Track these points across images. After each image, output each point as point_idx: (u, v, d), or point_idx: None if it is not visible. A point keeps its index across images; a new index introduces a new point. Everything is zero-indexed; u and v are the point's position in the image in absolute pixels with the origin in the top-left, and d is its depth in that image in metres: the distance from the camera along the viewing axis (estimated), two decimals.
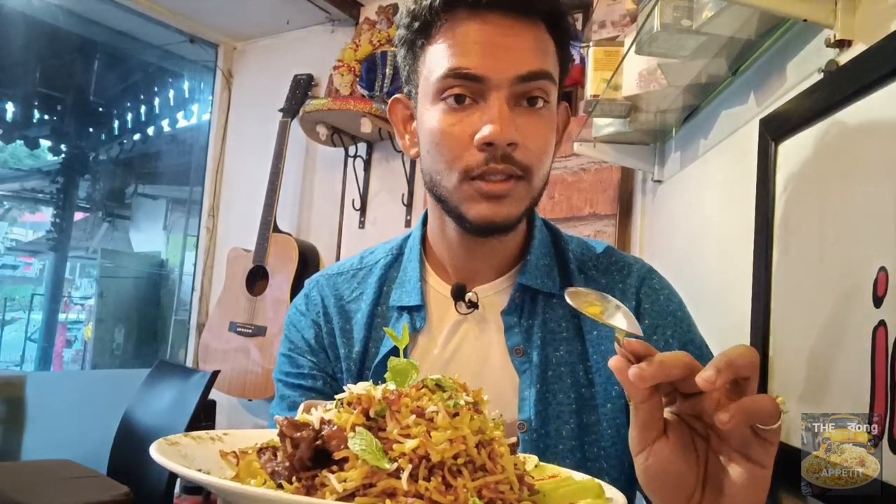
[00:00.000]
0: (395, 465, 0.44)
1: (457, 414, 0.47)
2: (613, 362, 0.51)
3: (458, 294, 0.81)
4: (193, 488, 2.66)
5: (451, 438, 0.45)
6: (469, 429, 0.46)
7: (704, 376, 0.47)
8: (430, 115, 0.75)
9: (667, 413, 0.53)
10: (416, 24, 0.75)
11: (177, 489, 2.45)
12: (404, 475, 0.43)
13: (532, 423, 0.77)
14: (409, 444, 0.44)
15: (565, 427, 0.77)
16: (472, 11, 0.72)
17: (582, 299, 0.54)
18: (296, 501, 0.42)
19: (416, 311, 0.83)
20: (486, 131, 0.70)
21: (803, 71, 0.83)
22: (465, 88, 0.72)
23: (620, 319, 0.52)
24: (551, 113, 0.76)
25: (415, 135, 0.81)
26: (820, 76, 0.75)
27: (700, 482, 0.53)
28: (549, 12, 0.74)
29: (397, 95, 0.84)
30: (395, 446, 0.45)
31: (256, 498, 0.43)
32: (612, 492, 0.51)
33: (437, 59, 0.73)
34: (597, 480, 0.52)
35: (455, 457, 0.45)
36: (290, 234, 2.77)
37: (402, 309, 0.84)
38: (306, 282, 0.92)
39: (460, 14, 0.72)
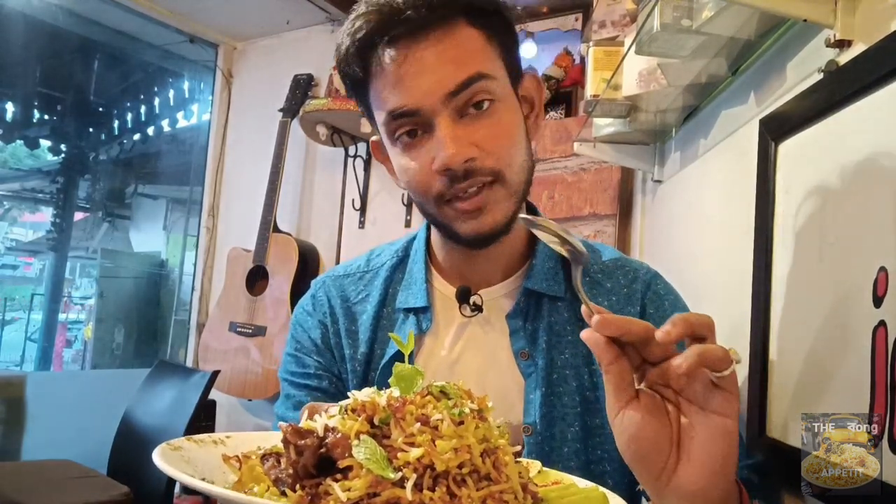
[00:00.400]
0: (400, 474, 0.43)
1: (461, 422, 0.47)
2: (584, 334, 0.54)
3: (463, 297, 0.82)
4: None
5: (456, 447, 0.45)
6: (474, 437, 0.46)
7: (662, 329, 0.51)
8: (394, 155, 0.77)
9: (640, 386, 0.56)
10: (350, 78, 0.76)
11: (177, 489, 2.45)
12: (409, 484, 0.43)
13: (537, 426, 0.77)
14: (414, 452, 0.44)
15: (570, 430, 0.78)
16: (386, 47, 0.71)
17: (538, 224, 0.58)
18: None
19: (423, 313, 0.83)
20: (439, 160, 0.70)
21: (803, 71, 0.83)
22: (409, 124, 0.72)
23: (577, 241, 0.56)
24: (506, 105, 0.75)
25: None
26: (820, 76, 0.74)
27: (674, 445, 0.54)
28: (460, 8, 0.71)
29: (374, 139, 0.84)
30: (399, 455, 0.44)
31: None
32: (616, 500, 0.51)
33: (378, 104, 0.74)
34: (601, 489, 0.53)
35: (460, 466, 0.45)
36: (290, 234, 2.77)
37: (408, 311, 0.84)
38: (313, 282, 0.93)
39: (377, 56, 0.71)
